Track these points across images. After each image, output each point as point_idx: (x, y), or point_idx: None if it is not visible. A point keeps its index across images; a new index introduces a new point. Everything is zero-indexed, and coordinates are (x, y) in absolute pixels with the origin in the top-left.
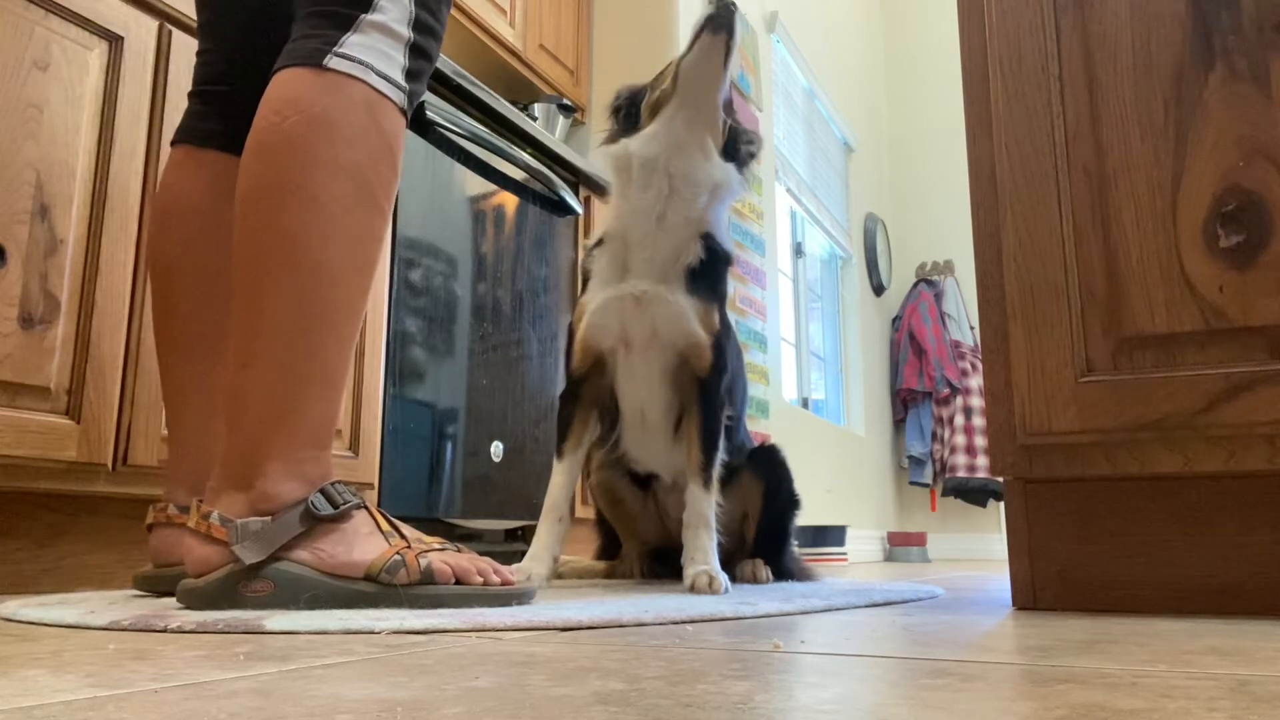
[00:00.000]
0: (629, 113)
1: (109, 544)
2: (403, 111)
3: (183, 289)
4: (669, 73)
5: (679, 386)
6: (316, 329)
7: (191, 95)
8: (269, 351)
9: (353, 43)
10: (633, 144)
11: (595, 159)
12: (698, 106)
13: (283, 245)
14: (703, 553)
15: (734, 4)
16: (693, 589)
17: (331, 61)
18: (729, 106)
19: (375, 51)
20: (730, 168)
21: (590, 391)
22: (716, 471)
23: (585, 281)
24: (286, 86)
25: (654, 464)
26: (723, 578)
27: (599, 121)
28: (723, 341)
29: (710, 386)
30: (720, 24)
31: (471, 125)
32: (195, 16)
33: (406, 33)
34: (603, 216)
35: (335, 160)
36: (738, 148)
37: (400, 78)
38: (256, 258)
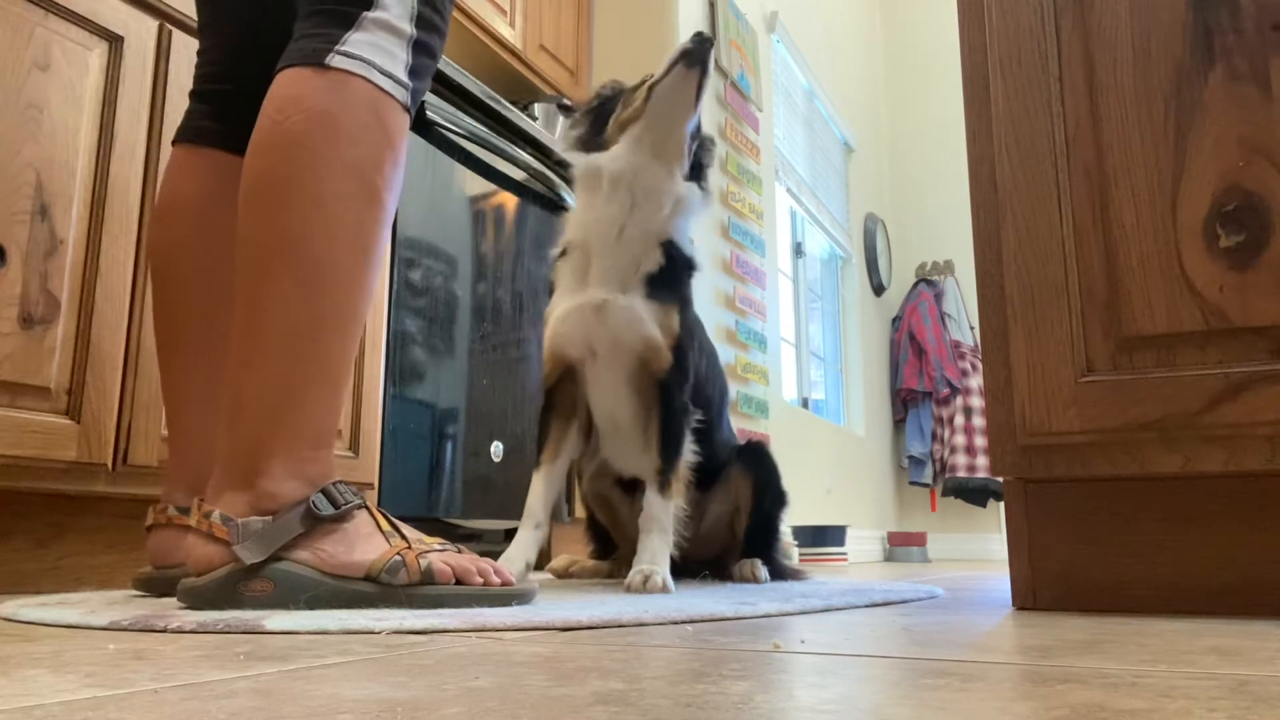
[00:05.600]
0: (598, 117)
1: (109, 544)
2: (406, 109)
3: (182, 287)
4: (640, 93)
5: (643, 391)
6: (319, 328)
7: (192, 95)
8: (271, 350)
9: (355, 40)
10: (603, 159)
11: (563, 155)
12: (666, 132)
13: (285, 243)
14: (650, 554)
15: (710, 39)
16: (629, 588)
17: (334, 60)
18: (696, 134)
19: (378, 49)
20: (692, 186)
21: (565, 401)
22: (678, 476)
23: (551, 290)
24: (289, 86)
25: (633, 468)
26: (667, 579)
27: None
28: (684, 344)
29: (669, 388)
30: (695, 59)
31: (471, 125)
32: (196, 16)
33: (409, 29)
34: (569, 223)
35: (338, 158)
36: (701, 166)
37: (403, 75)
38: (259, 256)
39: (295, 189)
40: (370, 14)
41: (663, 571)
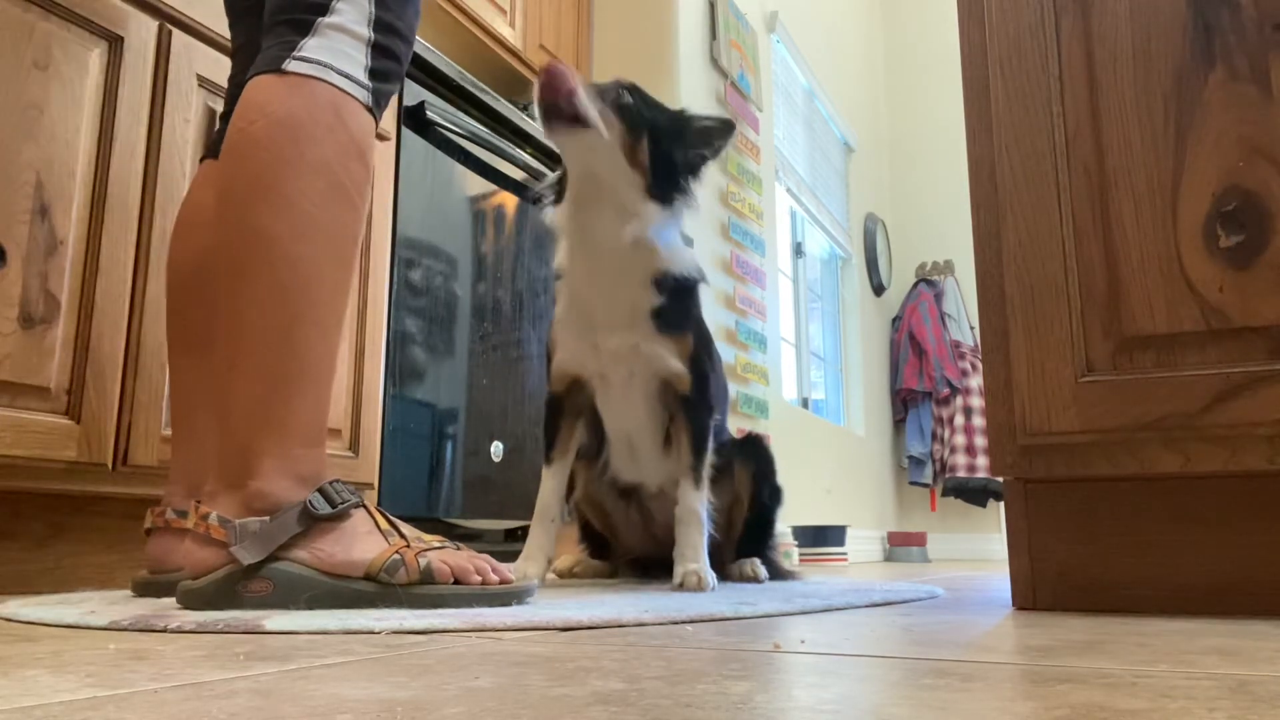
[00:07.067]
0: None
1: (109, 544)
2: (369, 109)
3: (197, 294)
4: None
5: (663, 406)
6: (298, 326)
7: (223, 116)
8: (252, 350)
9: (311, 45)
10: (560, 217)
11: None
12: (593, 180)
13: (258, 244)
14: (693, 549)
15: (555, 71)
16: (682, 586)
17: (291, 65)
18: (647, 134)
19: (335, 52)
20: (659, 211)
21: (573, 403)
22: (706, 471)
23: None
24: (254, 93)
25: (641, 476)
26: (710, 576)
27: None
28: (701, 360)
29: (694, 402)
30: (545, 115)
31: (471, 125)
32: (209, 28)
33: (366, 33)
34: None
35: (303, 158)
36: (674, 173)
37: (363, 76)
38: (234, 257)
39: (263, 190)
40: (325, 19)
41: (705, 569)
